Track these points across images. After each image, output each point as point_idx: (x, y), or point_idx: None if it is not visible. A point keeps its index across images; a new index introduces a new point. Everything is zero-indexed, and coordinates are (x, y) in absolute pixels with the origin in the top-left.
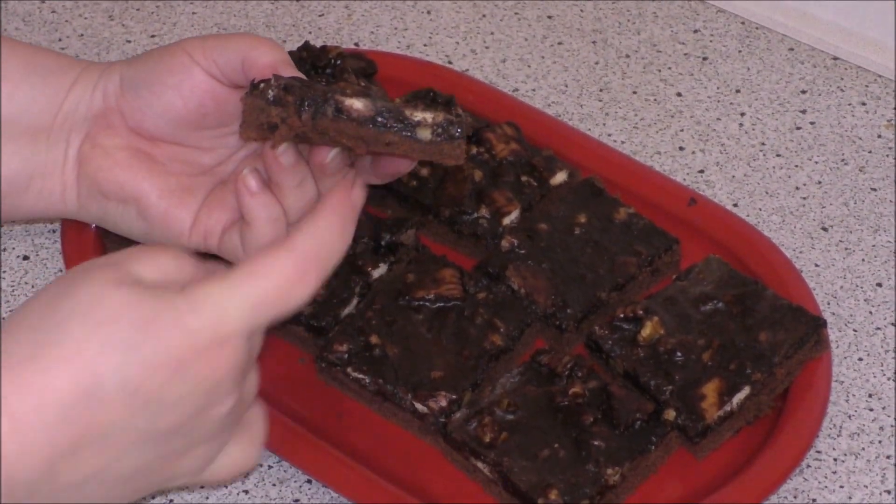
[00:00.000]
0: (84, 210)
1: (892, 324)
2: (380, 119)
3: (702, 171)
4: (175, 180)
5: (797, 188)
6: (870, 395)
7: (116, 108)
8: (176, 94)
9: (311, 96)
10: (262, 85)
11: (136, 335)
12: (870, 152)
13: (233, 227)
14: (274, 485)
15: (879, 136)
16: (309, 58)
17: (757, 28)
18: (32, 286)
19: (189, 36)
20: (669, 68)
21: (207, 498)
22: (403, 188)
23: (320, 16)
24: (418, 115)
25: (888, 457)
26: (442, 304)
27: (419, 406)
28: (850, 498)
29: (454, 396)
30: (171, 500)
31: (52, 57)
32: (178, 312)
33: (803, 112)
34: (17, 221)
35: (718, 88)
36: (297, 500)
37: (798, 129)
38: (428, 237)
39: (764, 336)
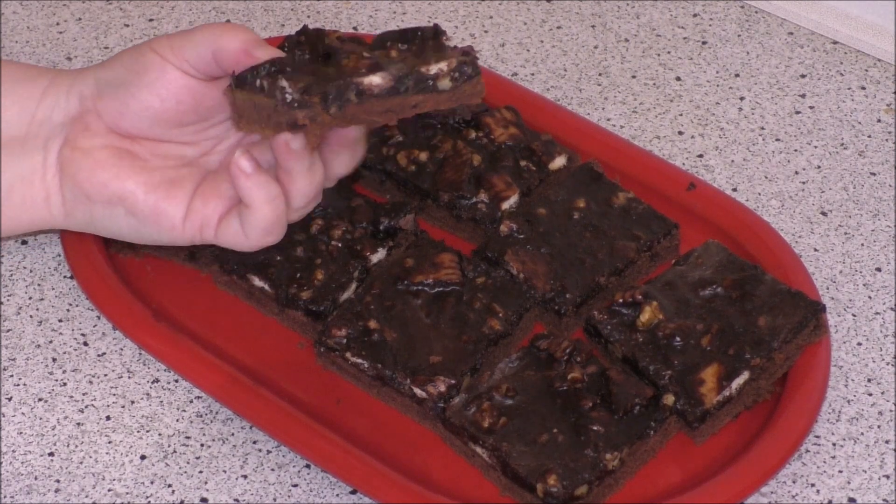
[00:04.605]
0: (71, 217)
1: (892, 308)
2: (401, 87)
3: (701, 156)
4: (160, 174)
5: (796, 173)
6: (869, 380)
7: (94, 109)
8: (152, 94)
9: (331, 90)
10: (257, 81)
11: None
12: (869, 137)
13: (230, 214)
14: (273, 470)
15: (879, 121)
16: (307, 42)
17: (756, 12)
18: (31, 270)
19: (186, 21)
20: (669, 52)
21: (206, 482)
22: (402, 173)
23: None
24: (434, 68)
25: (887, 441)
26: (441, 289)
27: (418, 391)
28: (848, 483)
29: (453, 381)
30: (169, 485)
31: (19, 68)
32: None
33: (803, 96)
34: (7, 237)
35: (718, 73)
36: (295, 485)
37: (797, 113)
38: (427, 222)
39: (763, 321)
